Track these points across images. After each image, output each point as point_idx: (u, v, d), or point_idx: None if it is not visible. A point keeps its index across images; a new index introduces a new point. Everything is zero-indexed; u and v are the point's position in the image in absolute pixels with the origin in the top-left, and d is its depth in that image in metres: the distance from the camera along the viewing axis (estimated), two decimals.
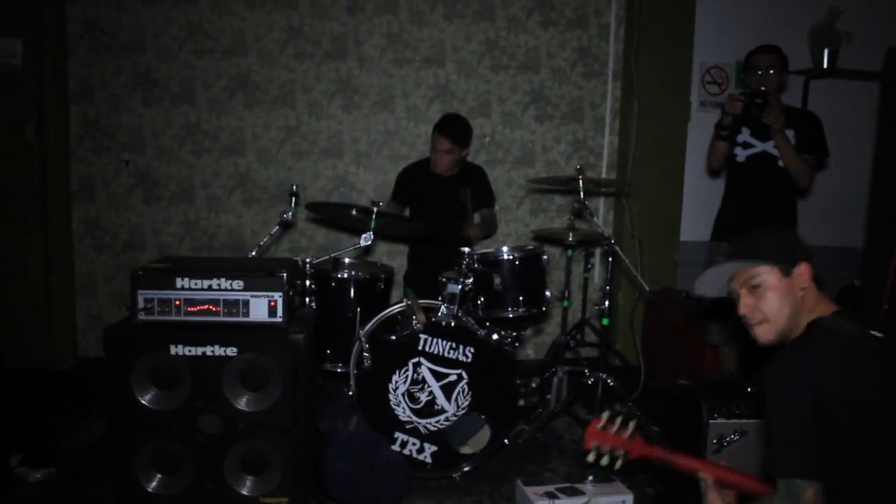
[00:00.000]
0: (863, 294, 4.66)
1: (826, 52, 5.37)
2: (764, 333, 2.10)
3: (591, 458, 2.20)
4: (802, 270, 2.09)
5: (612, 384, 4.12)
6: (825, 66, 5.38)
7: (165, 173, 5.21)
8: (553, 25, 5.42)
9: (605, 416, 2.23)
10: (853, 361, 1.89)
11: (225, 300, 3.03)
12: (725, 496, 2.14)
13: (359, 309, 3.80)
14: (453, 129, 4.55)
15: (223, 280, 3.03)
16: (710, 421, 2.93)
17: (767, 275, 2.09)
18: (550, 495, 3.28)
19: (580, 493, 3.31)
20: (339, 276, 3.92)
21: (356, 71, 5.23)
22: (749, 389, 3.09)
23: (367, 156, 5.32)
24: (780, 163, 4.14)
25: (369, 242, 3.64)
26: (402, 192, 4.76)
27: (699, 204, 5.30)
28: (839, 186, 5.39)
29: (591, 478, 3.47)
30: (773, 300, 2.07)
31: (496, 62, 5.36)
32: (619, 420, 2.22)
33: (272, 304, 3.02)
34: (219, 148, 5.21)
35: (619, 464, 2.21)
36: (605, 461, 2.20)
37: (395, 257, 5.16)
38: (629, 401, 4.18)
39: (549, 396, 4.20)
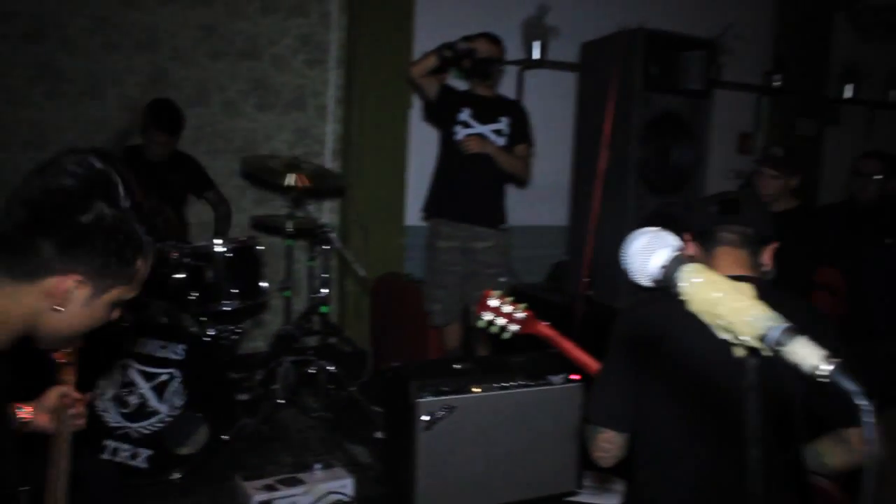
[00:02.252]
0: (571, 267, 5.04)
1: (537, 44, 5.72)
2: None
3: (481, 323, 2.45)
4: (685, 238, 2.06)
5: (335, 371, 4.15)
6: (536, 57, 5.72)
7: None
8: (273, 12, 5.31)
9: (497, 293, 2.48)
10: (667, 317, 1.90)
11: None
12: None
13: None
14: (169, 121, 4.45)
15: None
16: (418, 400, 3.02)
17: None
18: (269, 488, 3.23)
19: (301, 482, 3.30)
20: None
21: (60, 55, 4.84)
22: (455, 367, 3.22)
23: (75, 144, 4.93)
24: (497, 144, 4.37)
25: None
26: None
27: (422, 189, 5.43)
28: (549, 169, 5.73)
29: (318, 466, 3.47)
30: None
31: (215, 49, 5.18)
32: (510, 299, 2.47)
33: None
34: None
35: (507, 334, 2.47)
36: (494, 329, 2.45)
37: None
38: (355, 385, 4.24)
39: (274, 388, 4.16)
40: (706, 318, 0.97)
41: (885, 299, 3.93)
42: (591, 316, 4.32)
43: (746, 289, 0.97)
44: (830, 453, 2.02)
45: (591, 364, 2.42)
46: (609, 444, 1.99)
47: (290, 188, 4.10)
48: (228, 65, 5.22)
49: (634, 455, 2.00)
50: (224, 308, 3.79)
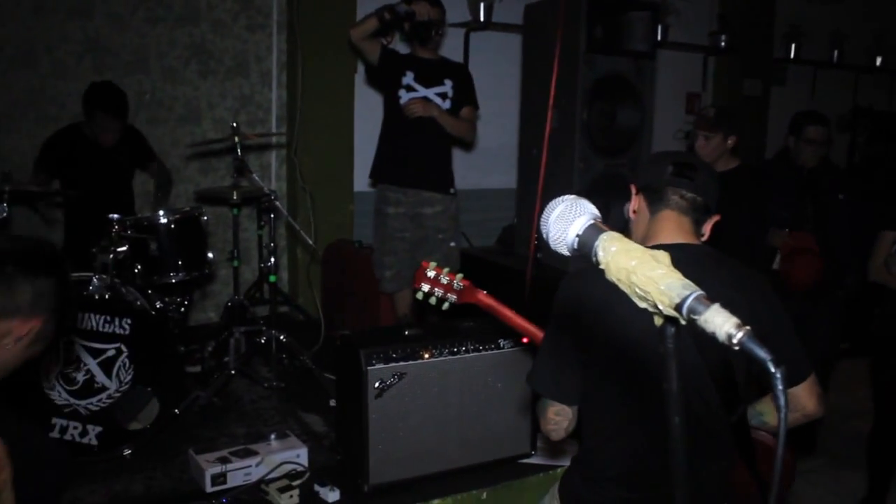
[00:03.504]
0: (518, 230, 5.06)
1: (482, 6, 5.67)
2: None
3: (419, 295, 2.46)
4: (632, 190, 2.08)
5: (285, 340, 4.13)
6: (482, 19, 5.68)
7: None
8: None
9: (433, 264, 2.47)
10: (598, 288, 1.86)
11: None
12: None
13: None
14: (112, 103, 4.31)
15: None
16: (368, 367, 3.02)
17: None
18: (223, 460, 3.21)
19: (254, 453, 3.29)
20: None
21: None
22: (406, 333, 3.22)
23: (10, 118, 4.80)
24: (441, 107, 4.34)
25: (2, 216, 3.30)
26: (51, 164, 4.37)
27: (370, 155, 5.40)
28: (496, 132, 5.72)
29: (273, 436, 3.46)
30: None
31: (151, 14, 5.04)
32: (447, 270, 2.47)
33: None
34: None
35: (446, 305, 2.47)
36: (433, 300, 2.46)
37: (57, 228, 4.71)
38: (308, 355, 4.23)
39: (226, 359, 4.13)
40: (624, 287, 0.97)
41: (852, 251, 4.09)
42: (541, 279, 4.34)
43: (663, 256, 0.96)
44: (769, 412, 2.08)
45: (534, 332, 2.43)
46: (559, 416, 2.00)
47: (234, 156, 4.03)
48: (166, 30, 5.10)
49: (581, 423, 2.02)
50: (170, 280, 3.74)
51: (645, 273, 0.93)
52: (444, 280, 2.44)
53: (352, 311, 4.90)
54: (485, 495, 3.22)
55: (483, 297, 2.46)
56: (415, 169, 4.38)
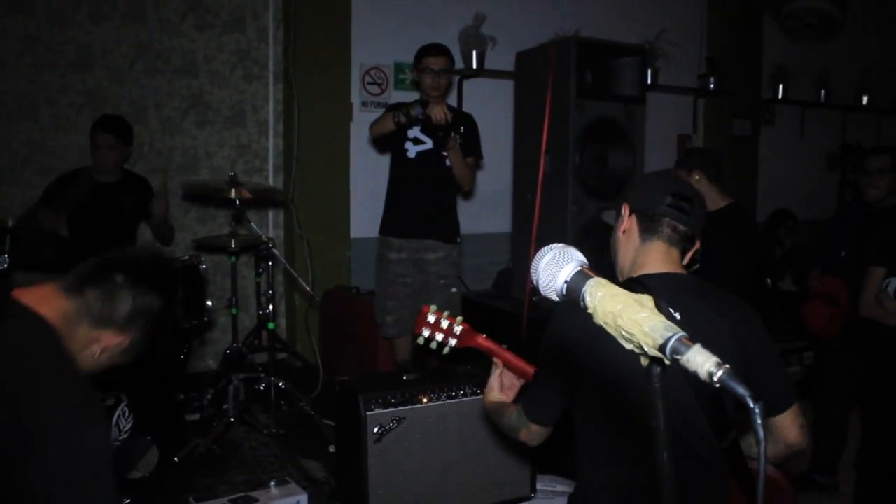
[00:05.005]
0: (515, 274, 5.10)
1: (475, 53, 5.79)
2: None
3: (420, 340, 2.39)
4: (624, 211, 2.07)
5: (283, 387, 4.14)
6: (475, 66, 5.79)
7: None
8: (209, 28, 5.30)
9: (434, 307, 2.41)
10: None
11: None
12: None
13: None
14: (115, 124, 4.37)
15: None
16: (367, 413, 3.04)
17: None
18: None
19: (254, 500, 3.29)
20: None
21: None
22: (404, 378, 3.25)
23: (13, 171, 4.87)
24: (447, 161, 4.30)
25: (4, 266, 3.32)
26: (54, 201, 4.39)
27: (367, 201, 5.47)
28: (491, 177, 5.79)
29: (273, 483, 3.46)
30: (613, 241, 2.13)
31: (150, 66, 5.14)
32: (446, 313, 2.40)
33: None
34: None
35: (447, 350, 2.39)
36: (434, 345, 2.39)
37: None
38: (306, 401, 4.24)
39: (225, 407, 4.14)
40: (611, 330, 1.02)
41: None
42: (537, 321, 4.37)
43: (646, 300, 1.01)
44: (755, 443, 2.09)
45: (531, 372, 2.45)
46: (535, 434, 2.14)
47: (232, 205, 4.08)
48: (165, 82, 5.19)
49: (576, 461, 2.05)
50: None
51: (630, 316, 0.98)
52: (445, 324, 2.41)
53: (350, 358, 4.92)
54: None
55: (482, 340, 2.46)
56: (422, 222, 4.37)
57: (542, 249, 1.19)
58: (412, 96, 4.98)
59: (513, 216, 5.13)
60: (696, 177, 3.95)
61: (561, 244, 1.19)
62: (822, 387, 4.46)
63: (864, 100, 8.12)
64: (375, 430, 3.08)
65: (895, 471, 3.70)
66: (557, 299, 1.16)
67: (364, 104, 5.67)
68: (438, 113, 4.08)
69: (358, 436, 3.08)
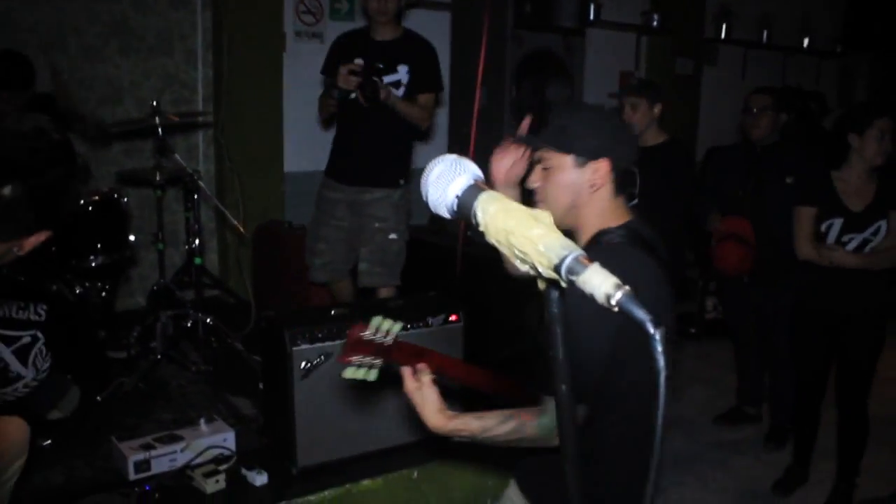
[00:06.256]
0: None
1: None
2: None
3: (347, 374, 1.74)
4: (599, 167, 1.86)
5: (212, 323, 4.05)
6: None
7: None
8: None
9: (376, 323, 1.75)
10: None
11: None
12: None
13: None
14: (21, 77, 4.08)
15: None
16: (294, 348, 2.97)
17: (560, 160, 1.88)
18: (146, 447, 3.14)
19: (180, 438, 3.22)
20: None
21: None
22: (332, 312, 3.18)
23: None
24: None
25: None
26: None
27: (302, 135, 5.34)
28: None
29: (200, 421, 3.39)
30: (556, 186, 1.89)
31: None
32: (385, 325, 1.76)
33: None
34: None
35: (374, 375, 1.77)
36: (361, 374, 1.76)
37: None
38: (236, 338, 4.16)
39: (153, 344, 4.03)
40: (504, 249, 0.94)
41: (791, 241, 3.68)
42: (471, 257, 4.33)
43: (544, 216, 0.93)
44: None
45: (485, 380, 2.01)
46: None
47: (156, 136, 3.91)
48: (83, 6, 4.91)
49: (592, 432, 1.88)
50: (89, 264, 3.63)
51: (523, 233, 0.90)
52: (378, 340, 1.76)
53: (284, 294, 4.82)
54: (416, 474, 3.21)
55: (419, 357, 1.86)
56: (362, 167, 4.07)
57: (433, 161, 1.10)
58: (348, 26, 4.81)
59: (448, 150, 5.04)
60: (656, 110, 3.93)
61: (454, 155, 1.10)
62: (738, 322, 4.56)
63: (805, 42, 8.14)
64: (302, 365, 3.01)
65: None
66: (448, 216, 1.07)
67: (298, 34, 5.48)
68: (344, 80, 3.81)
69: (284, 372, 3.01)
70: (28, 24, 4.74)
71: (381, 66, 3.93)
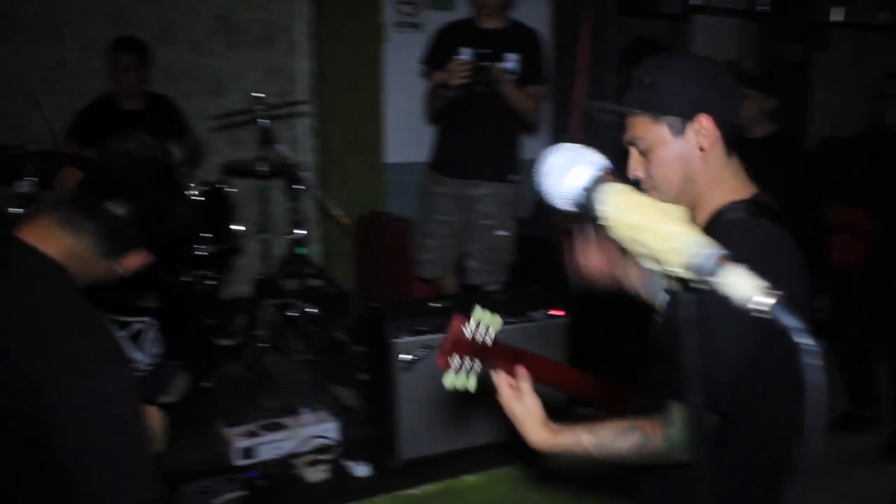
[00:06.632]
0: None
1: None
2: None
3: (447, 381, 1.57)
4: (701, 125, 1.57)
5: (316, 314, 4.09)
6: None
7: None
8: None
9: (477, 316, 1.55)
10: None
11: None
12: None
13: None
14: (132, 44, 4.25)
15: None
16: (395, 340, 2.96)
17: (655, 133, 1.60)
18: (252, 434, 3.20)
19: (284, 426, 3.27)
20: None
21: None
22: (431, 305, 3.16)
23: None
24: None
25: (27, 190, 3.28)
26: (80, 134, 4.33)
27: (403, 126, 5.34)
28: None
29: (304, 410, 3.43)
30: (661, 165, 1.60)
31: None
32: (485, 319, 1.55)
33: None
34: None
35: (472, 383, 1.57)
36: (461, 381, 1.56)
37: None
38: (339, 328, 4.20)
39: (257, 333, 4.10)
40: (629, 249, 0.87)
41: None
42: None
43: (676, 212, 0.86)
44: None
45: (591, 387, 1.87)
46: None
47: (261, 128, 3.97)
48: (191, 3, 5.03)
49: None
50: (197, 253, 3.71)
51: (654, 230, 0.83)
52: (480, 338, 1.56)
53: (386, 284, 4.84)
54: (518, 471, 3.15)
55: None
56: (469, 161, 3.97)
57: (552, 149, 1.02)
58: (447, 16, 4.76)
59: (550, 141, 4.96)
60: (769, 103, 3.76)
61: (576, 144, 1.02)
62: (847, 318, 4.32)
63: None
64: (404, 357, 3.00)
65: None
66: (569, 209, 1.00)
67: (398, 24, 5.48)
68: (453, 76, 3.71)
69: (386, 363, 3.01)
70: (140, 20, 4.89)
71: (490, 51, 3.83)
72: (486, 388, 1.63)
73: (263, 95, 3.94)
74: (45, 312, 1.49)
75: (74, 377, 1.43)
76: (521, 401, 1.60)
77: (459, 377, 1.55)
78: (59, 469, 1.46)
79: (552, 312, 3.24)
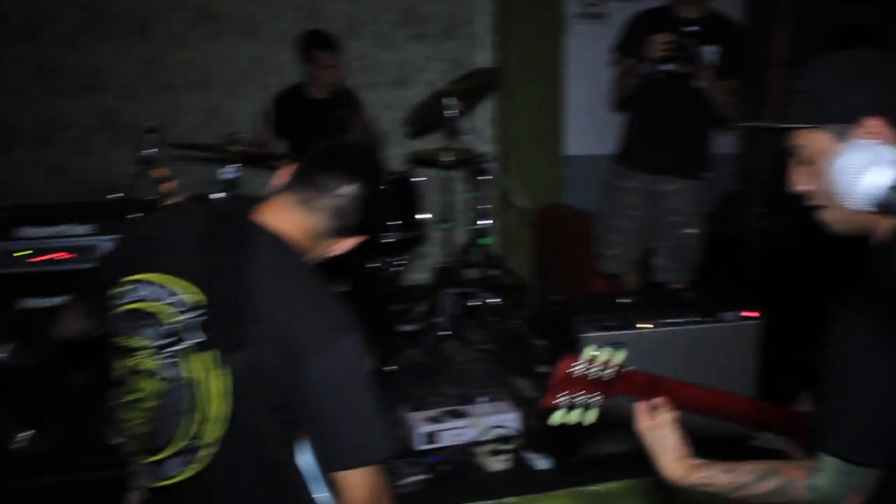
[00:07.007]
0: (743, 198, 4.75)
1: None
2: (829, 220, 1.38)
3: (556, 419, 1.45)
4: (869, 129, 1.25)
5: (496, 303, 4.12)
6: None
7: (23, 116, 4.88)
8: None
9: (588, 354, 1.48)
10: None
11: (77, 246, 2.90)
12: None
13: None
14: (328, 41, 4.37)
15: (73, 225, 2.90)
16: (582, 335, 2.93)
17: (814, 141, 1.37)
18: (434, 420, 3.28)
19: (464, 415, 3.32)
20: None
21: None
22: (619, 301, 3.10)
23: (235, 86, 5.09)
24: (697, 82, 3.70)
25: (231, 176, 3.48)
26: (274, 119, 4.54)
27: (584, 118, 5.28)
28: None
29: (485, 399, 3.48)
30: (828, 178, 1.29)
31: None
32: (602, 357, 1.48)
33: None
34: (79, 86, 4.88)
35: (592, 416, 1.47)
36: (574, 416, 1.45)
37: None
38: (518, 318, 4.21)
39: (437, 320, 4.19)
40: None
41: None
42: (768, 251, 4.03)
43: None
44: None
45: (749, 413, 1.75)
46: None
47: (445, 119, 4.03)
48: None
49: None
50: (386, 240, 3.81)
51: None
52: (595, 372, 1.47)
53: (565, 277, 4.79)
54: None
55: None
56: (658, 152, 3.84)
57: (852, 146, 0.96)
58: (633, 6, 4.62)
59: (740, 135, 4.75)
60: None
61: (876, 141, 0.95)
62: None
63: None
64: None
65: None
66: (869, 209, 0.93)
67: (580, 16, 5.41)
68: (655, 51, 3.57)
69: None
70: (330, 15, 5.08)
71: (697, 28, 3.65)
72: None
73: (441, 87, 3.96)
74: (293, 287, 1.59)
75: (324, 344, 1.53)
76: (656, 432, 1.54)
77: (572, 414, 1.45)
78: (294, 432, 1.58)
79: (745, 314, 3.10)
